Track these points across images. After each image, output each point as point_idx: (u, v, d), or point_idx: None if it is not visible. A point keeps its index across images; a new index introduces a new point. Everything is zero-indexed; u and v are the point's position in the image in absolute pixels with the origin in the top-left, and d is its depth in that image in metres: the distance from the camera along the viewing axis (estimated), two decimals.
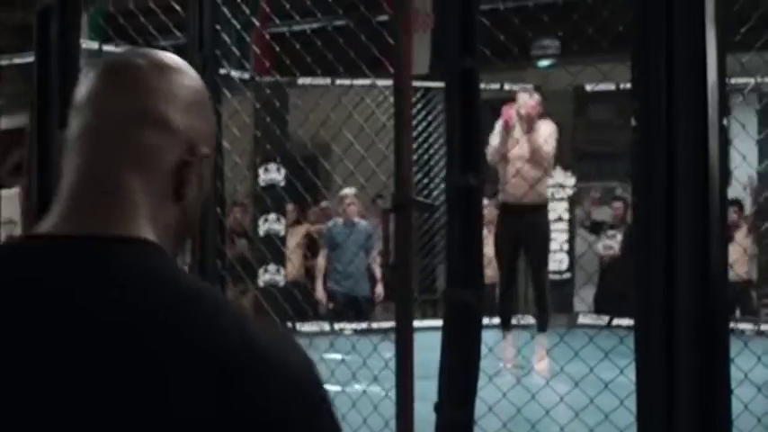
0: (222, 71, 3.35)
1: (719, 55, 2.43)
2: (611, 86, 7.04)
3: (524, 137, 6.15)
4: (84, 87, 0.96)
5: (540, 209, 6.60)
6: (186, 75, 0.98)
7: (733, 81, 5.65)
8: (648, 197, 2.43)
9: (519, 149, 5.78)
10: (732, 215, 8.42)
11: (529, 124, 6.33)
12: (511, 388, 3.79)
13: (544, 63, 9.18)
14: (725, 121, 2.46)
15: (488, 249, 6.37)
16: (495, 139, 6.24)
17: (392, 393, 2.70)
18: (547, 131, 6.04)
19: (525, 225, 6.40)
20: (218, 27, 2.89)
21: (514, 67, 6.70)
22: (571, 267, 8.55)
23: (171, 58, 0.99)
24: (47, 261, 0.87)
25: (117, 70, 0.96)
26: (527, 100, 6.36)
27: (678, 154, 2.41)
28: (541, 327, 6.59)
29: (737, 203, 8.39)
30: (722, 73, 2.44)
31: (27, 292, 0.85)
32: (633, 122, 2.46)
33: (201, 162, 0.96)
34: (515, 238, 6.52)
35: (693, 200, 2.40)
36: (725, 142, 2.48)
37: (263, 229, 8.13)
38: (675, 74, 2.42)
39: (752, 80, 6.30)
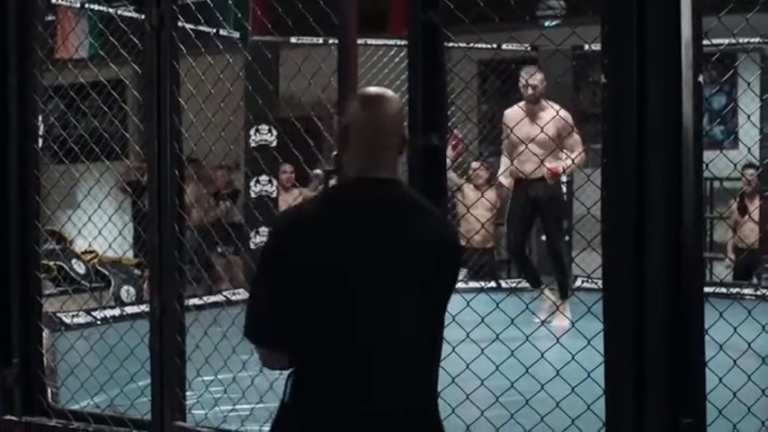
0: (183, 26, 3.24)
1: (695, 10, 2.33)
2: None
3: (529, 121, 6.11)
4: (359, 109, 2.06)
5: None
6: (394, 98, 2.07)
7: None
8: (617, 158, 2.35)
9: (524, 133, 5.77)
10: (748, 179, 7.94)
11: (533, 105, 6.24)
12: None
13: (548, 24, 9.04)
14: (700, 79, 2.36)
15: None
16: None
17: None
18: (550, 117, 5.94)
19: (537, 196, 6.38)
20: None
21: (513, 27, 6.54)
22: (569, 232, 8.42)
23: (386, 91, 2.08)
24: (368, 187, 2.03)
25: (377, 102, 2.05)
26: (528, 80, 6.28)
27: (649, 113, 2.32)
28: (563, 293, 6.56)
29: (754, 167, 7.89)
30: (698, 29, 2.34)
31: (372, 199, 2.03)
32: (603, 79, 2.36)
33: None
34: (529, 210, 6.47)
35: (665, 161, 2.32)
36: (700, 101, 2.37)
37: (254, 190, 8.03)
38: (647, 29, 2.32)
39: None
